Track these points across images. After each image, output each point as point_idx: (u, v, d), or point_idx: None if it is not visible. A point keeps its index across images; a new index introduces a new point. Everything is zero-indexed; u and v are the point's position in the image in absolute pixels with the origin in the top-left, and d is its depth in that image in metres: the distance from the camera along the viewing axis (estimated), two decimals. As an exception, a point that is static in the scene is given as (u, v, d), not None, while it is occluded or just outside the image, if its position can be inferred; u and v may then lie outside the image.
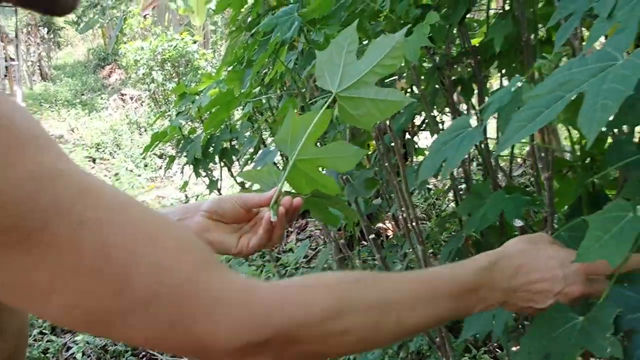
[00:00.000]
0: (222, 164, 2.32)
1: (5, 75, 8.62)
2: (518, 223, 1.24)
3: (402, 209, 1.52)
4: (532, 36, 1.39)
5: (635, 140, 1.09)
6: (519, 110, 0.65)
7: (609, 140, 1.23)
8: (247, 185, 2.33)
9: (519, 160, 3.75)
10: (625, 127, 1.15)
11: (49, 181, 0.43)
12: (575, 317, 0.71)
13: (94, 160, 7.31)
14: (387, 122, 1.44)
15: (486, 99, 1.43)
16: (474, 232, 1.76)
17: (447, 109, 1.62)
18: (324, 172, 0.87)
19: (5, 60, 8.41)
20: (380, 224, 3.20)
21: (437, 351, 1.64)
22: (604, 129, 1.33)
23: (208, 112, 1.77)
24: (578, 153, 1.47)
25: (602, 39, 0.78)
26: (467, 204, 1.34)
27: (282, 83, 1.90)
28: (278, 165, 2.14)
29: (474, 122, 0.84)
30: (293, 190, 0.87)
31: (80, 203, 0.44)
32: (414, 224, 1.45)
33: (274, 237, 0.81)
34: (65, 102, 10.95)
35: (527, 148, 3.75)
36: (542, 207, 1.40)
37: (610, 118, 0.53)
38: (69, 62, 16.06)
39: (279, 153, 1.66)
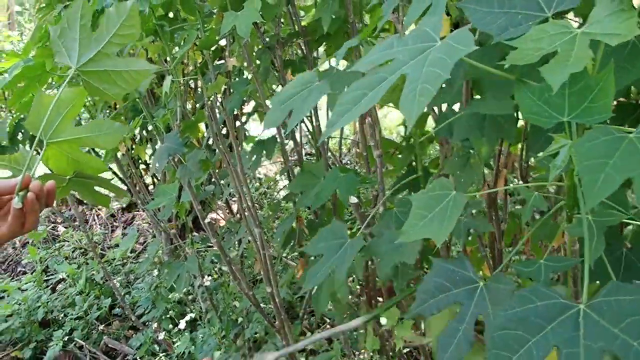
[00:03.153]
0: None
1: None
2: (353, 200, 1.27)
3: (237, 194, 1.48)
4: (358, 21, 1.43)
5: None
6: (344, 93, 0.63)
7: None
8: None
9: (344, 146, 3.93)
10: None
11: None
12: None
13: None
14: (220, 101, 1.39)
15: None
16: (307, 211, 1.79)
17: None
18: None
19: None
20: (211, 215, 3.12)
21: (276, 335, 1.64)
22: (426, 109, 1.42)
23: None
24: (403, 134, 1.55)
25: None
26: (301, 181, 1.34)
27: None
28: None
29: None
30: (54, 173, 0.85)
31: None
32: (249, 204, 1.42)
33: (26, 224, 0.78)
34: None
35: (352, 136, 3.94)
36: (373, 185, 1.45)
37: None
38: None
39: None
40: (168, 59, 1.34)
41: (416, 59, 0.57)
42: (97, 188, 0.94)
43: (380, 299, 1.66)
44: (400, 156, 1.63)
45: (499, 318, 0.55)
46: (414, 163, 1.34)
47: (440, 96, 1.20)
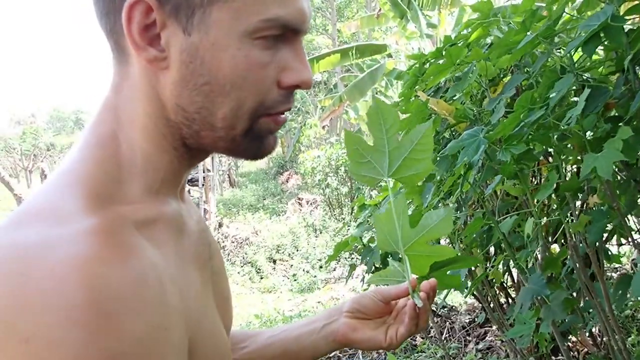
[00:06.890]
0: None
1: (202, 185, 9.77)
2: None
3: (602, 327, 1.42)
4: None
5: None
6: None
7: None
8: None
9: None
10: None
11: None
12: None
13: (274, 262, 7.78)
14: (578, 233, 1.40)
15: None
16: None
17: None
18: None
19: (203, 172, 9.57)
20: (572, 337, 2.95)
21: None
22: None
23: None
24: None
25: None
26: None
27: (460, 196, 1.92)
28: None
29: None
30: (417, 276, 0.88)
31: None
32: (620, 346, 1.35)
33: (420, 322, 0.82)
34: (249, 207, 12.02)
35: None
36: None
37: None
38: (253, 169, 17.74)
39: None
40: (529, 199, 1.43)
41: None
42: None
43: None
44: None
45: None
46: None
47: None
